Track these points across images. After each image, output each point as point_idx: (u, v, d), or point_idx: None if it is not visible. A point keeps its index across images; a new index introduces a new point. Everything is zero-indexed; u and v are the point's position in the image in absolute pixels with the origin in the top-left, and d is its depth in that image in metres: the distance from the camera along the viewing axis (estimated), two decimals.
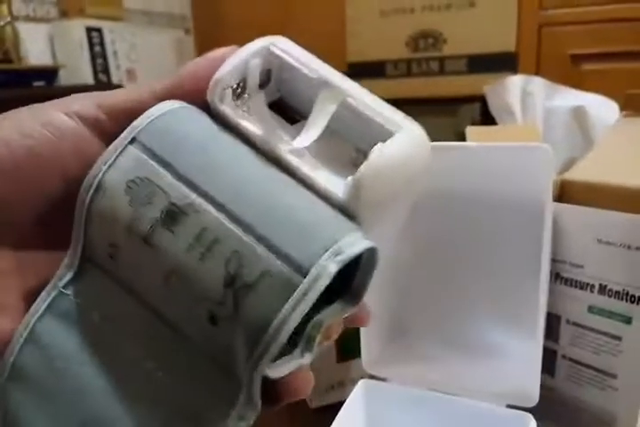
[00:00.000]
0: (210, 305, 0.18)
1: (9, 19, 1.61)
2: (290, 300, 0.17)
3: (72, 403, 0.20)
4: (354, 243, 0.18)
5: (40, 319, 0.21)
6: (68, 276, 0.21)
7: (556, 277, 0.36)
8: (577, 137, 0.69)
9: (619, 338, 0.34)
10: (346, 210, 0.19)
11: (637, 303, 0.33)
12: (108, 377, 0.20)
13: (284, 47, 0.21)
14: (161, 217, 0.19)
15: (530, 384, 0.32)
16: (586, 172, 0.47)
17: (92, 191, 0.20)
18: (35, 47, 1.80)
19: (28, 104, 0.22)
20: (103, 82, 1.83)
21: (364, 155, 0.19)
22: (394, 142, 0.19)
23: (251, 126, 0.21)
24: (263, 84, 0.22)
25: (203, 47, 2.13)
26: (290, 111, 0.22)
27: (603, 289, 0.34)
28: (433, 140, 0.22)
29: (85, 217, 0.20)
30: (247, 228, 0.18)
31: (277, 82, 0.22)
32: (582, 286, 0.35)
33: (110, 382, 0.20)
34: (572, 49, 1.41)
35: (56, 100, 0.21)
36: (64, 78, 1.80)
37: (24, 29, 1.73)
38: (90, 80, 1.78)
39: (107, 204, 0.20)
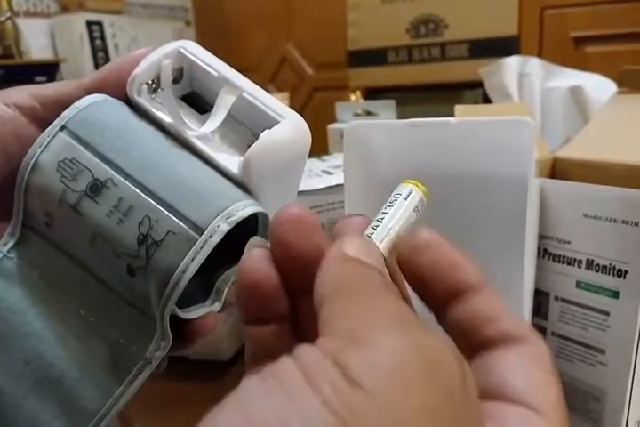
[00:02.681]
0: (128, 259, 0.23)
1: (9, 14, 1.62)
2: (189, 253, 0.22)
3: (17, 346, 0.24)
4: (244, 208, 0.23)
5: None
6: (11, 242, 0.26)
7: (544, 253, 0.36)
8: (575, 117, 0.68)
9: (606, 313, 0.34)
10: (240, 183, 0.24)
11: (624, 277, 0.32)
12: (47, 323, 0.25)
13: (192, 50, 0.26)
14: (86, 190, 0.24)
15: None
16: (577, 149, 0.46)
17: (28, 170, 0.24)
18: (36, 42, 1.81)
19: None
20: None
21: (257, 138, 0.24)
22: (277, 128, 0.24)
23: (163, 115, 0.25)
24: (176, 80, 0.26)
25: (204, 39, 2.12)
26: (201, 103, 0.27)
27: (590, 264, 0.34)
28: None
29: (24, 191, 0.25)
30: (156, 197, 0.23)
31: (189, 78, 0.27)
32: (570, 261, 0.35)
33: (49, 327, 0.24)
34: (575, 31, 1.39)
35: None
36: (65, 72, 1.80)
37: (24, 24, 1.74)
38: (91, 73, 1.79)
39: (41, 180, 0.24)
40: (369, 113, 0.72)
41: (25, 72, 1.65)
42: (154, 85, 0.26)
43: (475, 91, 1.51)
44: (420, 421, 0.12)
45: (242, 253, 0.21)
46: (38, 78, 1.70)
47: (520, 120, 0.28)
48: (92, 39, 1.88)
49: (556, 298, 0.36)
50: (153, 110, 0.25)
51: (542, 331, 0.37)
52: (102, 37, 1.90)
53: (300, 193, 0.40)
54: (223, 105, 0.25)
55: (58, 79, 1.74)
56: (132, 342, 0.24)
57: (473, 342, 0.17)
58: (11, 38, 1.62)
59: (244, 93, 0.25)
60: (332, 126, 0.71)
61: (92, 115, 0.25)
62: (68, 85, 0.26)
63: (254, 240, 0.25)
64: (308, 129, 0.26)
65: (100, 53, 1.90)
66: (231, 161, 0.24)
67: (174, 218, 0.22)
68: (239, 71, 0.26)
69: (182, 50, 0.26)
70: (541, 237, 0.36)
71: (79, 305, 0.25)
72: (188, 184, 0.23)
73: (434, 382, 0.12)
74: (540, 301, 0.37)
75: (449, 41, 1.55)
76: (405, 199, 0.21)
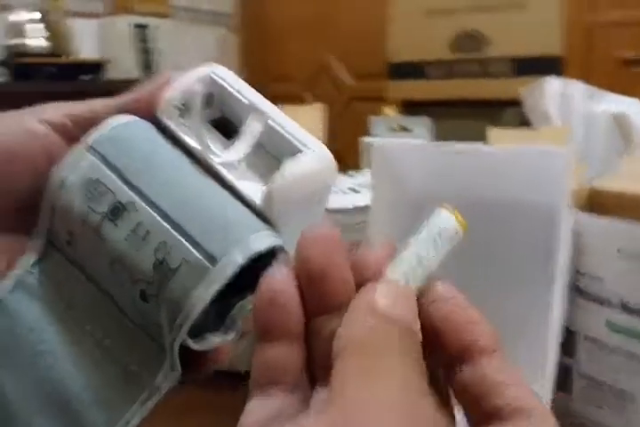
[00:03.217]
0: (143, 285, 0.23)
1: (61, 14, 1.66)
2: (201, 284, 0.21)
3: (31, 363, 0.24)
4: (261, 240, 0.22)
5: (9, 293, 0.25)
6: (34, 257, 0.26)
7: (575, 289, 0.34)
8: (617, 144, 0.66)
9: (638, 358, 0.32)
10: (262, 214, 0.23)
11: None
12: (63, 343, 0.24)
13: (223, 75, 0.26)
14: (108, 212, 0.23)
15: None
16: (615, 180, 0.44)
17: (55, 188, 0.25)
18: (84, 42, 1.85)
19: (75, 97, 0.27)
20: (146, 76, 1.87)
21: None
22: (301, 159, 0.24)
23: (190, 140, 0.25)
24: (207, 105, 0.26)
25: (246, 45, 2.14)
26: (231, 128, 0.26)
27: (623, 305, 0.32)
28: (475, 142, 0.23)
29: (50, 209, 0.25)
30: (174, 223, 0.23)
31: (219, 103, 0.27)
32: (601, 300, 0.33)
33: (64, 347, 0.24)
34: (622, 52, 1.35)
35: (31, 109, 0.26)
36: (110, 72, 1.84)
37: (75, 24, 1.78)
38: (134, 75, 1.82)
39: (66, 199, 0.24)
40: (403, 128, 0.71)
41: (72, 71, 1.69)
42: (183, 109, 0.26)
43: (514, 109, 1.48)
44: None
45: (258, 282, 0.21)
46: (83, 77, 1.74)
47: (555, 152, 0.27)
48: (137, 41, 1.92)
49: (586, 338, 0.34)
50: (180, 134, 0.25)
51: (569, 371, 0.36)
52: (147, 40, 1.94)
53: (329, 211, 0.40)
54: (250, 133, 0.25)
55: (102, 79, 1.78)
56: (143, 368, 0.24)
57: (483, 410, 0.16)
58: (61, 37, 1.66)
59: (269, 121, 0.25)
60: (364, 139, 0.70)
61: (120, 135, 0.25)
62: (99, 104, 0.26)
63: (281, 257, 0.24)
64: (333, 160, 0.25)
65: (143, 55, 1.94)
66: (255, 190, 0.24)
67: (189, 246, 0.22)
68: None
69: (213, 75, 0.25)
70: (574, 272, 0.34)
71: (95, 327, 0.25)
72: (207, 212, 0.23)
73: None
74: (569, 339, 0.35)
75: (491, 57, 1.53)
76: (450, 240, 0.19)
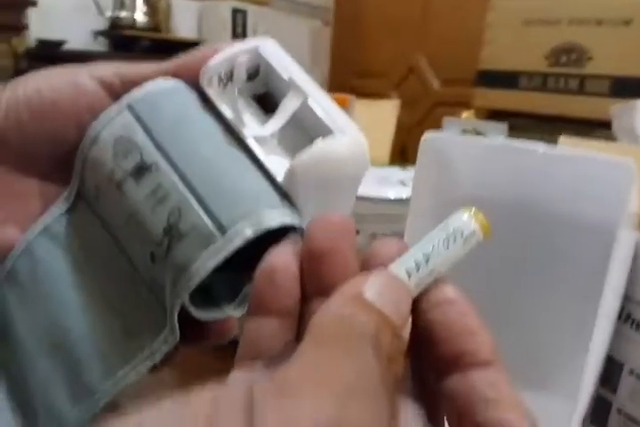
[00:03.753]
0: (152, 246, 0.23)
1: None
2: (206, 251, 0.21)
3: (44, 307, 0.25)
4: (276, 217, 0.22)
5: (36, 237, 0.26)
6: (64, 207, 0.26)
7: (625, 318, 0.31)
8: None
9: None
10: (284, 192, 0.23)
11: None
12: (76, 292, 0.25)
13: (271, 49, 0.25)
14: (132, 170, 0.23)
15: None
16: None
17: (89, 142, 0.25)
18: (183, 21, 1.91)
19: None
20: None
21: None
22: (332, 141, 0.23)
23: (227, 110, 0.25)
24: (251, 78, 0.26)
25: (338, 40, 2.14)
26: (272, 105, 0.26)
27: None
28: None
29: (82, 162, 0.25)
30: (192, 189, 0.22)
31: (264, 78, 0.26)
32: None
33: (76, 296, 0.25)
34: None
35: (87, 66, 0.26)
36: None
37: (177, 4, 1.84)
38: None
39: (97, 153, 0.25)
40: (477, 132, 0.68)
41: (168, 47, 1.75)
42: (226, 79, 0.25)
43: (605, 131, 1.41)
44: None
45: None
46: (179, 55, 1.80)
47: (621, 163, 0.25)
48: (234, 25, 1.97)
49: (631, 372, 0.31)
50: (218, 103, 0.25)
51: (607, 406, 0.33)
52: (244, 25, 1.98)
53: (369, 200, 0.38)
54: (286, 109, 0.25)
55: None
56: (144, 329, 0.24)
57: (466, 425, 0.15)
58: (162, 14, 1.72)
59: (309, 100, 0.24)
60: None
61: (158, 98, 0.25)
62: (149, 67, 0.26)
63: (292, 236, 0.23)
64: (366, 148, 0.24)
65: (239, 39, 1.98)
66: (281, 167, 0.24)
67: (202, 213, 0.22)
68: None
69: (260, 48, 0.25)
70: (627, 299, 0.31)
71: (107, 282, 0.25)
72: (227, 183, 0.22)
73: None
74: (612, 370, 0.32)
75: (590, 74, 1.46)
76: (465, 242, 0.17)
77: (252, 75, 0.26)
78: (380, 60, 2.08)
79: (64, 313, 0.24)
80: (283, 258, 0.18)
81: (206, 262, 0.21)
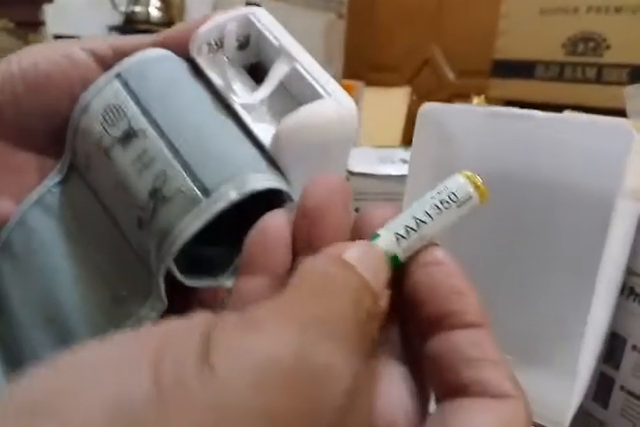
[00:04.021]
0: (138, 211, 0.23)
1: None
2: (190, 214, 0.21)
3: (37, 278, 0.25)
4: (261, 181, 0.22)
5: (30, 208, 0.26)
6: (57, 178, 0.26)
7: (629, 292, 0.31)
8: None
9: None
10: (272, 158, 0.23)
11: None
12: (68, 262, 0.25)
13: (261, 18, 0.25)
14: (120, 136, 0.24)
15: (560, 406, 0.27)
16: None
17: (80, 112, 0.25)
18: (198, 15, 1.92)
19: None
20: None
21: None
22: (318, 104, 0.23)
23: (216, 78, 0.25)
24: (242, 47, 0.26)
25: (353, 32, 2.13)
26: (265, 74, 0.25)
27: None
28: None
29: (74, 132, 0.25)
30: (177, 154, 0.22)
31: (256, 47, 0.26)
32: None
33: (69, 266, 0.25)
34: None
35: (80, 39, 0.26)
36: None
37: None
38: None
39: (87, 122, 0.25)
40: None
41: None
42: (216, 47, 0.25)
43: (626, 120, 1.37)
44: (253, 425, 0.10)
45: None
46: None
47: (619, 126, 0.24)
48: None
49: (634, 348, 0.31)
50: (207, 71, 0.25)
51: (610, 382, 0.32)
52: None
53: (368, 176, 0.38)
54: (274, 76, 0.24)
55: None
56: (132, 296, 0.24)
57: (448, 383, 0.15)
58: (176, 9, 1.73)
59: (297, 65, 0.24)
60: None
61: (147, 66, 0.25)
62: (141, 38, 0.27)
63: (288, 204, 0.24)
64: (354, 111, 0.24)
65: None
66: (269, 133, 0.23)
67: (186, 177, 0.22)
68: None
69: (251, 16, 0.25)
70: (630, 272, 0.30)
71: (98, 251, 0.25)
72: (212, 148, 0.23)
73: (298, 394, 0.11)
74: (615, 346, 0.31)
75: (608, 63, 1.43)
76: (459, 207, 0.17)
77: (244, 44, 0.26)
78: (395, 52, 2.06)
79: (57, 284, 0.25)
80: (276, 220, 0.18)
81: (190, 225, 0.21)
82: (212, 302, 0.26)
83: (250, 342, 0.11)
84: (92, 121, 0.25)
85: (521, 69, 1.57)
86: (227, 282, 0.25)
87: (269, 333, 0.11)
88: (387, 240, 0.17)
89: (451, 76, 2.02)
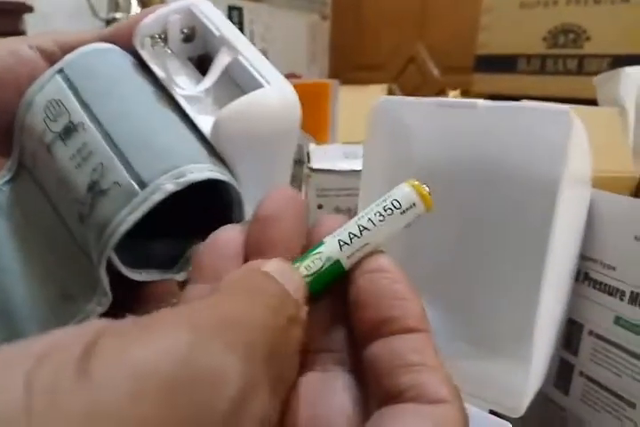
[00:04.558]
0: (79, 206, 0.23)
1: None
2: (126, 207, 0.21)
3: None
4: (200, 171, 0.21)
5: None
6: (7, 177, 0.26)
7: (584, 277, 0.31)
8: None
9: None
10: (213, 147, 0.23)
11: None
12: (18, 259, 0.25)
13: (203, 8, 0.25)
14: (61, 131, 0.23)
15: (517, 392, 0.27)
16: None
17: (24, 108, 0.25)
18: None
19: None
20: None
21: None
22: (258, 93, 0.23)
23: (159, 71, 0.25)
24: (189, 40, 0.26)
25: (337, 33, 2.13)
26: (210, 65, 0.25)
27: (634, 298, 0.28)
28: None
29: (20, 130, 0.25)
30: (114, 145, 0.22)
31: (202, 39, 0.26)
32: (612, 291, 0.29)
33: (18, 263, 0.25)
34: None
35: (25, 36, 0.27)
36: None
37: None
38: None
39: (31, 119, 0.25)
40: None
41: None
42: (159, 40, 0.25)
43: (610, 109, 1.38)
44: None
45: (218, 225, 0.21)
46: None
47: (559, 112, 0.24)
48: (231, 22, 1.97)
49: (591, 333, 0.31)
50: (150, 64, 0.25)
51: (570, 368, 0.32)
52: (241, 22, 1.98)
53: (331, 172, 0.38)
54: (217, 66, 0.24)
55: None
56: (80, 293, 0.24)
57: (384, 389, 0.15)
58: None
59: (239, 56, 0.24)
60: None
61: (90, 60, 0.25)
62: (88, 34, 0.26)
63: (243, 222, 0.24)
64: (296, 101, 0.24)
65: None
66: (210, 124, 0.23)
67: (123, 169, 0.22)
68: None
69: (193, 7, 0.25)
70: (584, 258, 0.31)
71: (46, 248, 0.25)
72: (150, 139, 0.23)
73: (177, 402, 0.10)
74: (573, 332, 0.32)
75: (589, 54, 1.43)
76: (402, 213, 0.17)
77: (190, 36, 0.26)
78: (380, 51, 2.07)
79: (5, 282, 0.25)
80: (228, 231, 0.18)
81: (127, 217, 0.21)
82: (166, 296, 0.26)
83: (132, 348, 0.10)
84: (35, 117, 0.25)
85: (503, 64, 1.57)
86: (176, 276, 0.25)
87: (156, 337, 0.11)
88: (331, 247, 0.17)
89: (435, 72, 2.03)
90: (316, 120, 0.71)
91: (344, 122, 0.77)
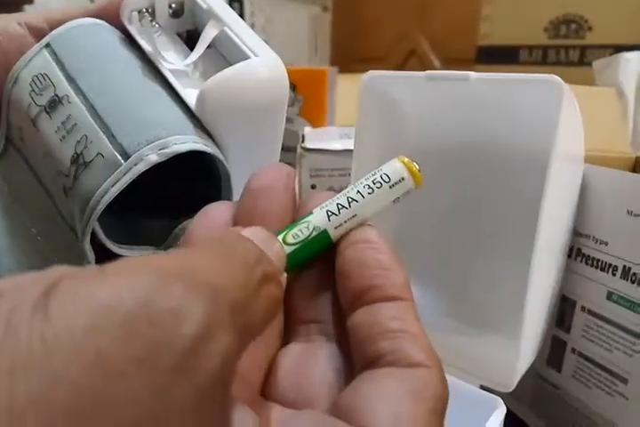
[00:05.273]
0: (63, 179, 0.23)
1: None
2: (110, 178, 0.21)
3: None
4: (184, 143, 0.21)
5: None
6: None
7: (576, 253, 0.30)
8: None
9: (637, 335, 0.28)
10: (199, 120, 0.23)
11: None
12: (5, 234, 0.25)
13: None
14: (46, 105, 0.23)
15: (507, 368, 0.27)
16: None
17: (11, 83, 0.25)
18: None
19: None
20: None
21: None
22: (244, 64, 0.23)
23: (146, 45, 0.25)
24: (177, 15, 0.26)
25: (339, 25, 2.12)
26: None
27: (626, 272, 0.28)
28: None
29: (7, 105, 0.25)
30: (98, 118, 0.22)
31: (191, 14, 0.26)
32: (604, 266, 0.29)
33: (6, 238, 0.25)
34: None
35: (16, 13, 0.26)
36: None
37: None
38: None
39: (17, 93, 0.25)
40: None
41: None
42: (146, 14, 0.26)
43: (608, 89, 1.37)
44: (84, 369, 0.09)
45: (207, 202, 0.21)
46: None
47: (547, 80, 0.24)
48: None
49: (583, 309, 0.31)
50: (138, 39, 0.25)
51: (562, 345, 0.32)
52: (242, 15, 1.97)
53: (324, 152, 0.38)
54: (204, 40, 0.24)
55: None
56: (67, 262, 0.24)
57: (364, 355, 0.15)
58: None
59: (225, 28, 0.24)
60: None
61: (76, 35, 0.25)
62: (76, 10, 0.26)
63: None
64: (284, 72, 0.24)
65: None
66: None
67: (107, 141, 0.22)
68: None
69: None
70: (577, 233, 0.30)
71: (33, 222, 0.25)
72: (134, 111, 0.22)
73: (135, 338, 0.10)
74: (565, 309, 0.32)
75: (591, 44, 1.42)
76: (391, 187, 0.17)
77: (178, 11, 0.26)
78: (382, 43, 2.06)
79: None
80: (220, 205, 0.18)
81: (110, 188, 0.21)
82: None
83: (93, 288, 0.10)
84: (21, 92, 0.25)
85: (505, 55, 1.56)
86: (164, 251, 0.25)
87: (119, 279, 0.11)
88: (319, 217, 0.17)
89: (437, 64, 2.02)
90: (313, 107, 0.70)
91: (342, 109, 0.76)
